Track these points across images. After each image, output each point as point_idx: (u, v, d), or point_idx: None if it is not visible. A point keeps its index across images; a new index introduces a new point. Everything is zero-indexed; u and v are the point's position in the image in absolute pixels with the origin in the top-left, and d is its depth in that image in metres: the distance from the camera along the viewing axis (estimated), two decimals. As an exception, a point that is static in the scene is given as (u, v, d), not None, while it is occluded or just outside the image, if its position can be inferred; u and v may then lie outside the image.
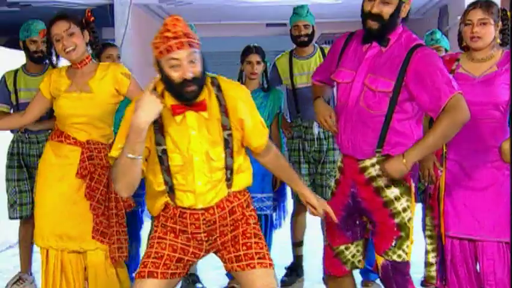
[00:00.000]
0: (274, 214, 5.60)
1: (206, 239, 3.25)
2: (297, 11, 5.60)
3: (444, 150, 3.83)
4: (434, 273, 3.94)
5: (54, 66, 4.08)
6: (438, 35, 5.72)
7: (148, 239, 4.33)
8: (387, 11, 3.46)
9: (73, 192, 3.93)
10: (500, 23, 3.75)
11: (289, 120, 5.77)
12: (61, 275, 3.91)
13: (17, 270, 5.40)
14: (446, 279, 3.91)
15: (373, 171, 3.56)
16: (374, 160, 3.56)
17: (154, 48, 3.03)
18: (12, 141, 5.31)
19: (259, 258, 3.20)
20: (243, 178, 3.29)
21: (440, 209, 3.85)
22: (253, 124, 3.24)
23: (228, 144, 3.16)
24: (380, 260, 3.65)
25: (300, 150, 5.59)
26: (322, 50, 5.64)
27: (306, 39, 5.54)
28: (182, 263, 3.25)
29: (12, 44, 6.39)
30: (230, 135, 3.17)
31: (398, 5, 3.47)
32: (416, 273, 5.59)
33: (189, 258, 3.27)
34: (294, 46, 5.68)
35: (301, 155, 5.58)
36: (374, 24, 3.49)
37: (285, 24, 5.67)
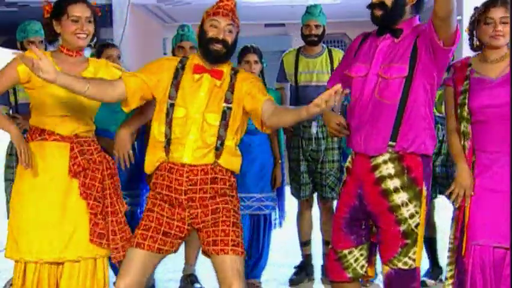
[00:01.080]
0: (273, 214, 5.60)
1: (187, 204, 3.52)
2: (310, 10, 5.64)
3: (473, 159, 3.73)
4: (451, 287, 3.80)
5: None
6: None
7: None
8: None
9: (62, 197, 3.65)
10: None
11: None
12: None
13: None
14: None
15: (384, 170, 3.51)
16: (387, 157, 3.51)
17: (205, 13, 3.63)
18: (11, 142, 5.30)
19: (233, 245, 3.49)
20: (232, 160, 3.61)
21: (465, 220, 3.71)
22: (254, 86, 3.60)
23: (225, 116, 3.54)
24: (385, 269, 3.58)
25: (299, 147, 5.61)
26: (330, 51, 5.67)
27: (316, 39, 5.57)
28: (169, 239, 3.55)
29: (10, 44, 6.38)
30: (229, 108, 3.55)
31: None
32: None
33: (175, 232, 3.56)
34: (294, 46, 5.69)
35: (300, 153, 5.60)
36: (377, 12, 3.51)
37: (283, 25, 5.69)
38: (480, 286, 3.66)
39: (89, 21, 3.69)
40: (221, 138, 3.53)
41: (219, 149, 3.54)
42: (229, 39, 3.58)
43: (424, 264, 5.60)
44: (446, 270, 3.82)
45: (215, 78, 3.59)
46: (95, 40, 3.90)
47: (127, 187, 5.10)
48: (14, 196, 3.73)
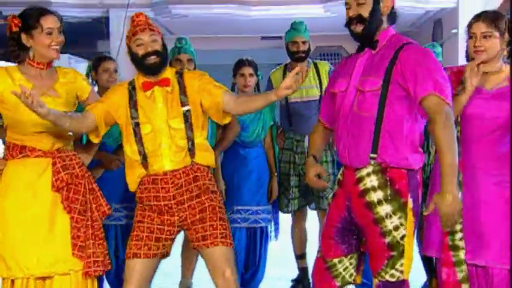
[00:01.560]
0: (269, 226, 5.59)
1: (177, 208, 3.76)
2: (295, 26, 5.58)
3: (460, 179, 3.59)
4: None
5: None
6: (439, 49, 5.56)
7: None
8: (364, 10, 3.47)
9: (48, 211, 3.61)
10: (506, 35, 3.63)
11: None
12: None
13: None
14: None
15: (368, 183, 3.45)
16: (370, 169, 3.44)
17: (126, 38, 3.83)
18: None
19: (222, 237, 3.75)
20: (206, 156, 3.86)
21: None
22: (206, 82, 3.82)
23: (187, 118, 3.77)
24: (375, 282, 3.52)
25: (290, 162, 5.58)
26: (315, 65, 5.65)
27: (303, 55, 5.53)
28: (161, 243, 3.78)
29: (7, 57, 6.39)
30: (188, 111, 3.78)
31: (373, 3, 3.47)
32: (413, 286, 5.61)
33: (166, 236, 3.79)
34: (288, 60, 5.67)
35: (291, 167, 5.58)
36: (357, 27, 3.50)
37: (279, 37, 5.66)
38: None
39: (60, 32, 3.64)
40: (191, 139, 3.77)
41: (191, 149, 3.77)
42: (157, 47, 3.77)
43: (421, 277, 5.62)
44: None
45: (164, 87, 3.80)
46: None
47: (123, 200, 5.10)
48: None
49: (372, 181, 3.43)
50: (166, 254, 3.89)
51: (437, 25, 12.54)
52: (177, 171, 3.75)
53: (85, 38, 11.41)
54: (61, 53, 3.75)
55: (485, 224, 3.60)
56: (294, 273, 5.84)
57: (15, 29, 3.62)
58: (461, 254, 3.62)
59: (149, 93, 3.78)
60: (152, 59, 3.73)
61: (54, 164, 3.63)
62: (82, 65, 9.56)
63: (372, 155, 3.42)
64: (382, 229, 3.41)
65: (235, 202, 5.38)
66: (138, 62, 3.77)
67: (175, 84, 3.83)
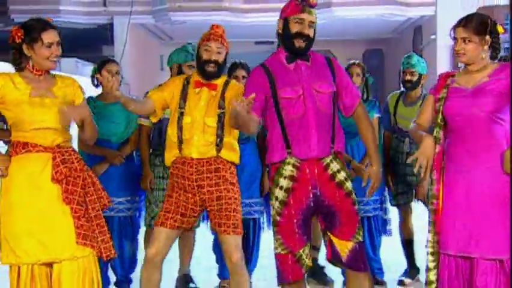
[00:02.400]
0: (262, 218, 5.60)
1: (198, 190, 4.14)
2: None
3: (443, 165, 3.66)
4: None
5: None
6: (415, 60, 5.48)
7: (145, 242, 5.08)
8: (312, 31, 3.83)
9: (52, 203, 3.64)
10: (487, 37, 3.60)
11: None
12: None
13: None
14: None
15: (334, 167, 3.79)
16: (331, 157, 3.81)
17: (200, 39, 4.18)
18: None
19: (234, 227, 4.14)
20: (231, 154, 4.22)
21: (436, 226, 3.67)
22: (235, 95, 3.98)
23: (220, 119, 4.15)
24: (349, 245, 3.75)
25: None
26: None
27: None
28: (185, 218, 4.16)
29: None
30: (223, 113, 4.14)
31: (315, 28, 3.86)
32: (391, 272, 5.64)
33: (190, 213, 4.18)
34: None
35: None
36: (302, 43, 3.79)
37: (272, 42, 5.65)
38: None
39: (58, 44, 3.70)
40: (220, 137, 4.14)
41: (219, 145, 4.15)
42: (220, 58, 4.15)
43: (402, 265, 5.64)
44: (428, 275, 3.71)
45: (211, 90, 4.17)
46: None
47: (126, 193, 5.11)
48: (2, 208, 3.68)
49: (335, 166, 3.80)
50: (189, 229, 4.37)
51: (417, 31, 12.57)
52: (202, 160, 4.12)
53: (91, 43, 11.39)
54: (68, 57, 3.90)
55: (474, 215, 3.55)
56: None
57: (18, 40, 3.65)
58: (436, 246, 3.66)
59: (197, 90, 4.17)
60: (211, 66, 4.12)
61: (54, 158, 3.65)
62: (88, 68, 9.56)
63: (331, 145, 3.81)
64: (352, 200, 3.81)
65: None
66: (199, 64, 4.16)
67: (219, 89, 4.19)
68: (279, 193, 3.75)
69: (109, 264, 5.28)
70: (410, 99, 5.44)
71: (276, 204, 3.75)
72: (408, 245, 5.64)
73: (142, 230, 5.34)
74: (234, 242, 4.15)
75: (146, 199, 5.25)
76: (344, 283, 5.49)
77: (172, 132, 4.20)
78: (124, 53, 10.53)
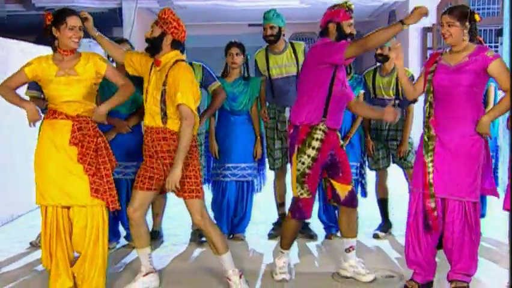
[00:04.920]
0: (255, 180, 5.60)
1: (157, 156, 4.06)
2: (265, 15, 5.52)
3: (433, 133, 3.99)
4: None
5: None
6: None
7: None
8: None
9: (68, 160, 3.89)
10: (467, 23, 3.90)
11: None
12: (56, 229, 3.95)
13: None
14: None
15: (340, 139, 4.36)
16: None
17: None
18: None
19: (190, 192, 4.03)
20: (175, 124, 3.97)
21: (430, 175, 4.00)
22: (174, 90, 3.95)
23: (162, 94, 3.97)
24: (348, 188, 4.33)
25: (274, 129, 5.56)
26: (292, 45, 5.58)
27: (272, 38, 5.46)
28: (153, 180, 4.11)
29: (40, 41, 6.33)
30: (165, 90, 3.96)
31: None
32: (367, 227, 5.68)
33: (157, 176, 4.10)
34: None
35: (275, 133, 5.56)
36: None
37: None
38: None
39: (80, 29, 3.96)
40: (163, 110, 3.98)
41: (163, 118, 3.99)
42: (149, 36, 4.07)
43: (377, 220, 5.68)
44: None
45: (155, 65, 4.07)
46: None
47: (133, 159, 5.11)
48: (34, 159, 3.99)
49: (339, 135, 4.40)
50: (160, 191, 4.20)
51: (392, 15, 12.49)
52: (152, 129, 4.03)
53: (102, 25, 11.28)
54: (82, 38, 4.03)
55: (450, 167, 3.92)
56: (274, 218, 5.87)
57: (48, 23, 3.97)
58: (433, 189, 3.96)
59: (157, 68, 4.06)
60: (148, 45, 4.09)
61: (73, 125, 3.92)
62: (99, 48, 9.48)
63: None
64: (347, 157, 4.39)
65: (226, 160, 5.39)
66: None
67: (166, 69, 4.01)
68: (311, 152, 4.18)
69: (119, 221, 5.32)
70: (385, 71, 5.42)
71: (308, 160, 4.16)
72: (383, 203, 5.67)
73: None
74: (193, 206, 4.06)
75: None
76: (326, 237, 5.56)
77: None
78: (132, 34, 10.46)
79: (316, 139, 4.18)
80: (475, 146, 3.91)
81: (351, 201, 4.36)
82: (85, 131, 3.93)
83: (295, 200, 4.25)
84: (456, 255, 3.99)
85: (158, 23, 4.04)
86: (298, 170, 4.19)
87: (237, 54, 5.33)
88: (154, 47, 4.04)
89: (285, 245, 4.45)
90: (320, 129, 4.18)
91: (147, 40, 4.05)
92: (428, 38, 10.61)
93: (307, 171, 4.18)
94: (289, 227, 4.39)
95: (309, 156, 4.17)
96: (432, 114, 3.97)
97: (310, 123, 4.18)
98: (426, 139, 3.98)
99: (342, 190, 4.32)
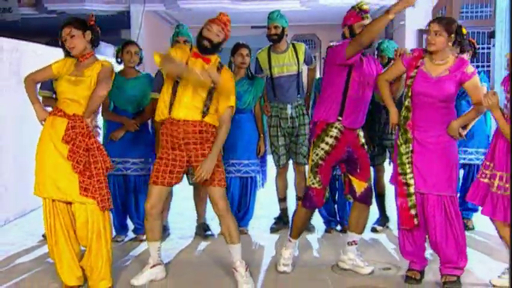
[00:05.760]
0: (258, 176, 5.60)
1: (185, 148, 4.00)
2: (269, 15, 5.55)
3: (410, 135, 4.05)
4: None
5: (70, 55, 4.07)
6: (384, 45, 5.57)
7: None
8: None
9: (64, 157, 3.86)
10: (453, 36, 3.93)
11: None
12: (55, 219, 3.94)
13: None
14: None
15: (360, 134, 4.32)
16: (360, 128, 4.32)
17: (207, 22, 4.10)
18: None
19: (218, 180, 4.05)
20: (213, 119, 4.02)
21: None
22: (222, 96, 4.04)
23: (210, 92, 3.97)
24: (365, 185, 4.32)
25: (277, 126, 5.54)
26: (293, 45, 5.59)
27: (276, 37, 5.47)
28: (173, 174, 4.07)
29: (52, 43, 6.34)
30: (213, 89, 3.96)
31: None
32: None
33: (177, 169, 4.06)
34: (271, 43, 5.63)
35: (278, 130, 5.54)
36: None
37: (265, 27, 5.62)
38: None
39: (71, 36, 3.93)
40: (206, 105, 3.99)
41: (204, 112, 3.98)
42: (215, 40, 4.03)
43: (375, 214, 5.67)
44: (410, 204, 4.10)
45: (205, 62, 4.03)
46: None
47: (140, 155, 5.12)
48: (36, 152, 3.97)
49: (361, 133, 4.36)
50: (177, 183, 4.15)
51: (390, 17, 12.49)
52: (188, 122, 3.97)
53: (111, 27, 11.34)
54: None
55: (428, 165, 4.00)
56: (276, 213, 5.87)
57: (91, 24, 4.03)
58: (411, 189, 4.03)
59: (194, 60, 4.03)
60: (206, 42, 4.02)
61: (68, 123, 3.89)
62: (108, 49, 9.45)
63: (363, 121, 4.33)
64: (368, 155, 4.37)
65: (230, 156, 5.38)
66: (198, 38, 4.05)
67: (212, 65, 4.05)
68: (325, 146, 4.19)
69: (128, 215, 5.33)
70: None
71: (322, 152, 4.18)
72: (381, 198, 5.66)
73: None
74: (220, 193, 4.07)
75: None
76: (326, 231, 5.56)
77: (166, 93, 4.06)
78: (140, 36, 10.48)
79: (331, 136, 4.18)
80: (451, 144, 4.01)
81: (366, 198, 4.35)
82: (78, 130, 3.88)
83: (307, 189, 4.29)
84: (441, 248, 4.04)
85: (224, 28, 4.08)
86: (313, 160, 4.22)
87: (247, 55, 5.34)
88: (215, 49, 4.06)
89: (294, 234, 4.44)
90: (336, 128, 4.18)
91: (208, 40, 4.02)
92: (423, 39, 10.60)
93: (320, 162, 4.20)
94: (300, 216, 4.39)
95: (322, 149, 4.19)
96: (409, 118, 4.02)
97: (327, 120, 4.19)
98: (403, 141, 4.03)
99: (359, 186, 4.32)
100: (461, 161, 5.45)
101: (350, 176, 4.33)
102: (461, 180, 5.60)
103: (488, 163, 4.01)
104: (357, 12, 4.21)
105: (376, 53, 5.59)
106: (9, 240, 5.45)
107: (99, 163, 3.92)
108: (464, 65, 4.00)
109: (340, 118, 4.18)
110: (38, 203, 6.78)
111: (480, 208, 4.08)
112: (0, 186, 6.06)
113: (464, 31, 4.03)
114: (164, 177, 4.06)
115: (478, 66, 10.76)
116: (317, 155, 4.20)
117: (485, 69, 9.04)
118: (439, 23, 3.93)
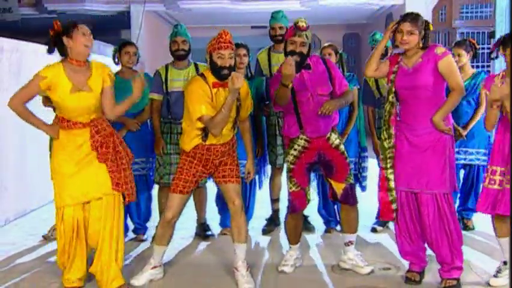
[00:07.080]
0: (257, 177, 5.59)
1: (217, 163, 4.16)
2: (274, 15, 5.54)
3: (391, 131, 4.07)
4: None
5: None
6: (378, 36, 5.65)
7: (158, 197, 5.15)
8: (305, 49, 4.18)
9: (94, 161, 3.92)
10: (422, 31, 3.97)
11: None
12: (76, 229, 3.95)
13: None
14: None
15: (332, 137, 4.30)
16: (330, 131, 4.30)
17: (210, 46, 4.04)
18: None
19: (237, 177, 4.20)
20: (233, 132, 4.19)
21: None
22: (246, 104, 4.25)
23: (238, 109, 4.13)
24: (343, 186, 4.32)
25: (275, 125, 5.53)
26: None
27: (280, 37, 5.44)
28: (197, 183, 4.22)
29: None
30: (240, 105, 4.13)
31: (308, 44, 4.19)
32: (365, 220, 5.67)
33: (201, 179, 4.24)
34: (272, 43, 5.62)
35: (276, 129, 5.52)
36: (296, 58, 4.10)
37: (266, 27, 5.61)
38: (408, 216, 4.14)
39: (91, 35, 3.92)
40: (234, 127, 4.18)
41: (234, 128, 4.18)
42: (232, 63, 4.03)
43: (375, 215, 5.66)
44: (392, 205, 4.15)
45: (227, 88, 3.96)
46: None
47: (141, 155, 5.11)
48: (51, 167, 3.99)
49: (333, 136, 4.31)
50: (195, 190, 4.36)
51: (389, 18, 12.49)
52: (223, 143, 4.12)
53: (111, 27, 11.33)
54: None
55: (419, 163, 3.99)
56: (268, 213, 5.84)
57: (58, 30, 3.89)
58: (391, 184, 4.07)
59: (215, 90, 4.03)
60: (226, 71, 3.98)
61: (91, 130, 3.90)
62: (108, 50, 9.47)
63: (331, 125, 4.31)
64: (344, 156, 4.32)
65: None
66: (215, 69, 4.00)
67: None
68: (294, 152, 4.29)
69: (128, 215, 5.32)
70: None
71: (291, 157, 4.28)
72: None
73: (156, 186, 5.35)
74: (237, 190, 4.16)
75: (156, 161, 5.24)
76: (326, 231, 5.55)
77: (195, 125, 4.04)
78: (140, 36, 10.47)
79: (298, 145, 4.28)
80: (440, 140, 3.97)
81: (347, 198, 4.36)
82: (102, 133, 3.93)
83: (288, 195, 4.35)
84: (436, 247, 4.04)
85: (231, 47, 4.03)
86: (287, 167, 4.34)
87: (244, 55, 5.32)
88: (231, 72, 3.95)
89: (290, 241, 4.51)
90: (301, 139, 4.28)
91: (226, 69, 3.98)
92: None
93: (291, 166, 4.30)
94: (288, 222, 4.46)
95: (292, 154, 4.30)
96: (392, 113, 4.04)
97: (289, 136, 4.30)
98: (386, 136, 4.06)
99: (338, 187, 4.34)
100: (462, 162, 5.44)
101: (329, 179, 4.38)
102: (461, 181, 5.59)
103: (494, 168, 3.93)
104: (293, 28, 4.19)
105: (371, 46, 5.62)
106: (10, 240, 5.46)
107: (124, 158, 4.03)
108: (434, 48, 4.00)
109: (302, 130, 4.26)
110: (38, 203, 6.82)
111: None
112: (0, 186, 6.06)
113: (431, 27, 4.06)
114: (190, 186, 4.13)
115: (478, 66, 10.78)
116: (288, 161, 4.32)
117: (485, 69, 9.04)
118: (411, 22, 3.93)
